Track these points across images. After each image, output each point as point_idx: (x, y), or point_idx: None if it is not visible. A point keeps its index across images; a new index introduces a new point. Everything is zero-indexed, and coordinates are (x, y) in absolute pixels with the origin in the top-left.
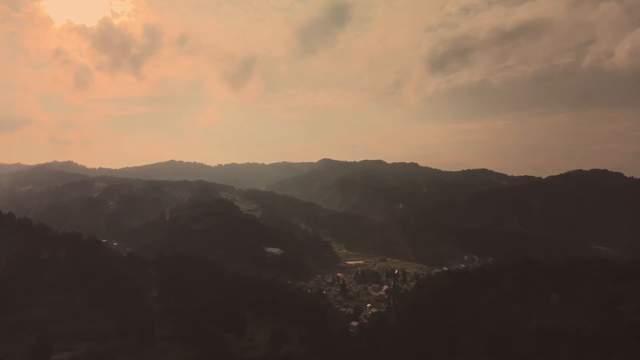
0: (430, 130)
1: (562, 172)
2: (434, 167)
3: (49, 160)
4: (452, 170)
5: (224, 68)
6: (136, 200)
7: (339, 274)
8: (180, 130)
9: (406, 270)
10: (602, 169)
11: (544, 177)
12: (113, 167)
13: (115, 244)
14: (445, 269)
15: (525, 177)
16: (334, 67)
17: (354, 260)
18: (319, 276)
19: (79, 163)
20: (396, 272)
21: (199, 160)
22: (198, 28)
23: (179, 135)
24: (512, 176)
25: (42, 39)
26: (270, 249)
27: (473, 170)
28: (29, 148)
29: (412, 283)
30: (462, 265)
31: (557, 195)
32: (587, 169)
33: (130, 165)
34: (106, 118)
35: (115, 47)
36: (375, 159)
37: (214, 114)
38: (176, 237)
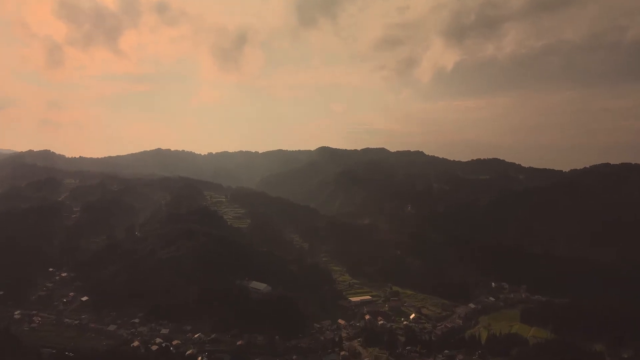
0: (436, 109)
1: (587, 166)
2: (439, 151)
3: (23, 148)
4: (462, 160)
5: (214, 42)
6: (105, 207)
7: (341, 322)
8: (169, 113)
9: (425, 311)
10: (633, 163)
11: (565, 170)
12: (95, 156)
13: (64, 275)
14: (472, 306)
15: (545, 170)
16: (337, 41)
17: (358, 295)
18: (316, 326)
19: (58, 152)
20: (412, 317)
21: (188, 147)
22: None
23: (167, 119)
24: (530, 168)
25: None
26: (255, 285)
27: (484, 160)
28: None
29: (439, 355)
30: (492, 298)
31: (586, 195)
32: (615, 163)
33: (114, 153)
34: (91, 100)
35: (88, 18)
36: (377, 139)
37: (205, 95)
38: (137, 271)
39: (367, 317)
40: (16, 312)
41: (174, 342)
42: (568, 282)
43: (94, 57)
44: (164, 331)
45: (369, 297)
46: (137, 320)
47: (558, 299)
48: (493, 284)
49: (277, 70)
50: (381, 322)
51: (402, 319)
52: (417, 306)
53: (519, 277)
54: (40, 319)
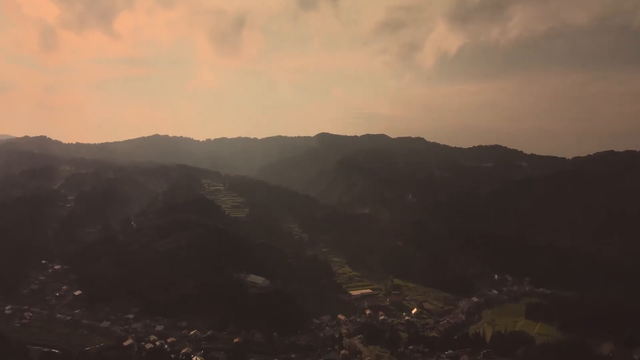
0: (438, 94)
1: (591, 154)
2: (440, 137)
3: (20, 133)
4: (463, 147)
5: (212, 25)
6: (100, 196)
7: (341, 317)
8: (166, 97)
9: (427, 305)
10: (638, 150)
11: (568, 157)
12: (92, 142)
13: (57, 267)
14: (475, 300)
15: (548, 157)
16: (338, 24)
17: (358, 288)
18: (316, 322)
19: (55, 138)
20: (414, 311)
21: (186, 134)
22: None
23: (165, 104)
24: (533, 155)
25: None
26: (252, 278)
27: (485, 147)
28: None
29: (442, 355)
30: (495, 291)
31: (590, 185)
32: (620, 151)
33: (111, 139)
34: (87, 84)
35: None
36: (378, 124)
37: (203, 80)
38: (132, 264)
39: (367, 312)
40: (7, 307)
41: (169, 340)
42: (571, 275)
43: (89, 40)
44: (159, 328)
45: (369, 290)
46: (131, 316)
47: (562, 292)
48: (496, 276)
49: (277, 55)
50: (382, 317)
51: (404, 313)
52: (419, 300)
53: (521, 269)
54: (31, 314)
